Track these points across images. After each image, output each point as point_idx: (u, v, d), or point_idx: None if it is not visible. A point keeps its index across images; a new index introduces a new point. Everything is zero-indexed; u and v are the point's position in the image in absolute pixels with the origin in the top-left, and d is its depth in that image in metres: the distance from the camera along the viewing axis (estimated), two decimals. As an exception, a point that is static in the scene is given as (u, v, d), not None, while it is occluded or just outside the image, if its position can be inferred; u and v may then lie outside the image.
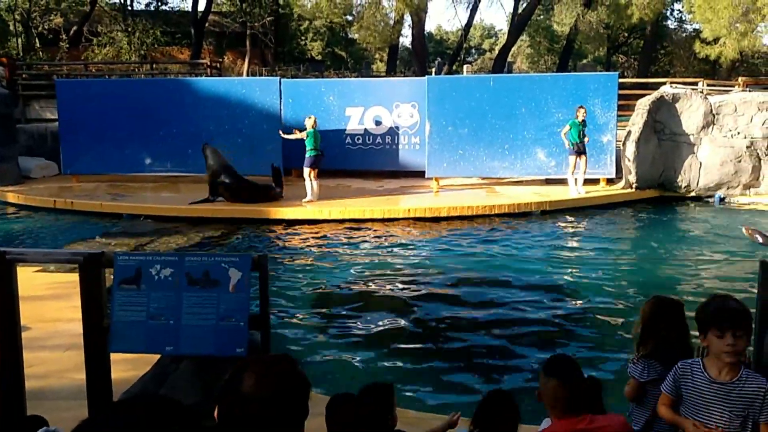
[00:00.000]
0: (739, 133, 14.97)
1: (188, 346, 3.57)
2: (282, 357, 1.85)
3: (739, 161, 14.95)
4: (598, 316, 7.81)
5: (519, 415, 3.11)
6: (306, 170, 13.83)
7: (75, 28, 33.48)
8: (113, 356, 3.84)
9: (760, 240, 11.32)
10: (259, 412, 1.68)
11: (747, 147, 14.92)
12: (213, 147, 14.14)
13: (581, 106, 14.34)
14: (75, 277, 3.77)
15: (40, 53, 32.09)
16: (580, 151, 14.33)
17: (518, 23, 35.03)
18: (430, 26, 70.77)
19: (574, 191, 14.52)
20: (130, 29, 33.56)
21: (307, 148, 13.86)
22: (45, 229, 12.90)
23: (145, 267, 3.61)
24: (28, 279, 8.31)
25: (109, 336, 3.63)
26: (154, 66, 29.83)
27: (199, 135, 16.37)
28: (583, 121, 14.23)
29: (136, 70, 29.28)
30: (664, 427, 3.17)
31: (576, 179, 14.51)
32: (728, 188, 15.10)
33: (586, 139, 14.35)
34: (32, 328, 6.26)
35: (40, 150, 18.73)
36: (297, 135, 14.13)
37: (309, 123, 13.96)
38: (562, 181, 15.18)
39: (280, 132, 14.94)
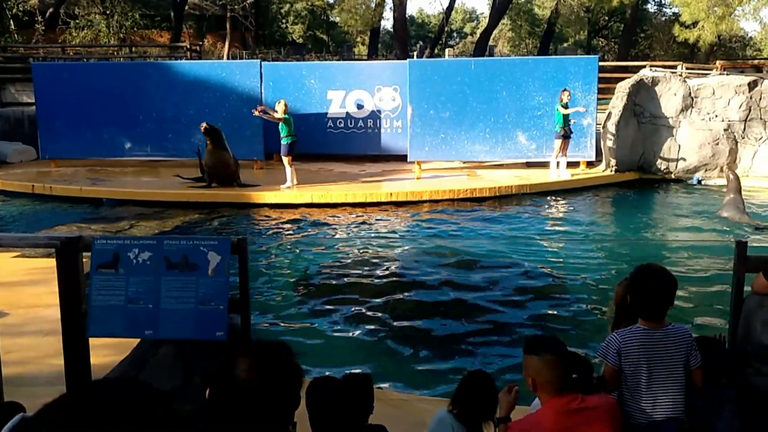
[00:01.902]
0: (716, 116, 15.11)
1: (168, 330, 3.56)
2: (279, 345, 1.84)
3: (717, 144, 15.10)
4: (579, 298, 7.87)
5: (497, 399, 3.14)
6: (285, 159, 13.40)
7: (51, 10, 32.90)
8: (92, 341, 3.82)
9: (731, 177, 11.93)
10: (250, 398, 1.68)
11: (724, 130, 15.07)
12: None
13: (565, 89, 14.36)
14: (53, 262, 3.73)
15: (15, 35, 31.52)
16: (566, 135, 14.36)
17: (499, 7, 34.93)
18: (411, 9, 70.54)
19: (554, 174, 14.58)
20: (108, 12, 33.05)
21: (282, 135, 13.29)
22: (23, 214, 12.76)
23: (123, 251, 3.58)
24: (6, 265, 8.25)
25: (88, 321, 3.61)
26: (133, 49, 29.48)
27: (179, 119, 16.26)
28: (567, 104, 14.26)
29: (115, 53, 28.91)
30: (632, 406, 3.21)
31: (558, 162, 14.55)
32: (706, 170, 15.25)
33: (572, 121, 14.39)
34: (10, 313, 6.22)
35: (17, 134, 18.47)
36: (275, 117, 13.48)
37: (281, 108, 13.34)
38: (543, 164, 15.24)
39: (259, 108, 14.05)
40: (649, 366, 3.02)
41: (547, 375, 2.74)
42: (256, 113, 13.80)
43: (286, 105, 13.52)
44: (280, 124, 13.32)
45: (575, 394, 2.77)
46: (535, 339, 2.95)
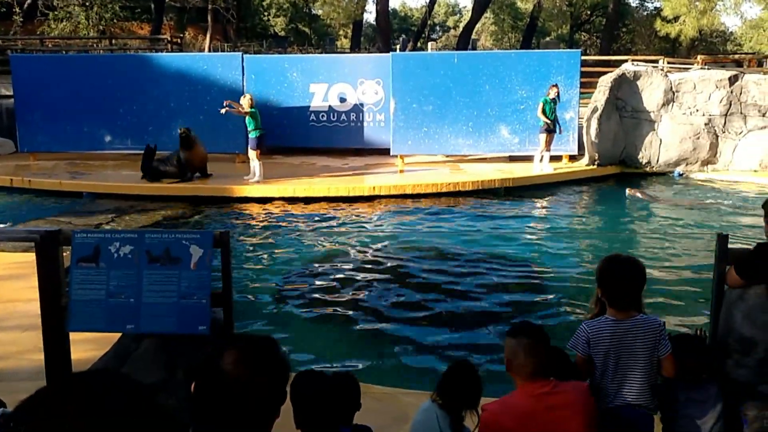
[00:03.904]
0: (697, 110, 15.23)
1: (149, 324, 3.53)
2: (266, 339, 1.83)
3: (698, 138, 15.22)
4: (561, 291, 7.91)
5: (481, 386, 3.16)
6: (252, 152, 13.31)
7: (29, 1, 32.47)
8: (74, 336, 3.78)
9: (640, 196, 13.02)
10: (236, 392, 1.66)
11: (705, 124, 15.19)
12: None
13: (555, 85, 14.37)
14: (33, 256, 3.69)
15: (-7, 27, 31.12)
16: (550, 129, 14.38)
17: (482, 0, 34.96)
18: (394, 2, 70.52)
19: (537, 168, 14.62)
20: (87, 3, 32.60)
21: (249, 129, 13.21)
22: (1, 208, 12.60)
23: (104, 245, 3.54)
24: (-16, 259, 8.14)
25: (68, 315, 3.57)
26: (113, 42, 29.18)
27: (160, 112, 16.12)
28: (554, 99, 14.28)
29: (95, 45, 28.60)
30: (601, 391, 3.23)
31: (542, 156, 14.57)
32: (687, 164, 15.38)
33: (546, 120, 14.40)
34: (-11, 308, 6.14)
35: (-6, 127, 18.22)
36: (240, 111, 13.32)
37: (246, 102, 13.20)
38: (526, 158, 15.27)
39: (225, 103, 13.67)
40: (617, 355, 3.10)
41: (522, 358, 2.80)
42: (224, 111, 13.64)
43: (251, 99, 13.44)
44: (247, 118, 13.23)
45: (548, 380, 2.81)
46: (518, 323, 3.04)
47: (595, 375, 3.16)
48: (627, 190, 13.47)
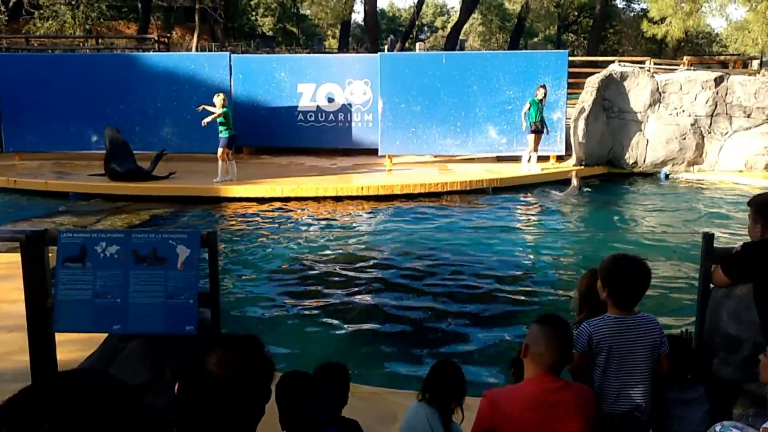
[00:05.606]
0: (684, 110, 15.32)
1: (136, 325, 3.51)
2: (250, 338, 1.83)
3: (684, 138, 15.32)
4: (547, 290, 7.94)
5: (465, 384, 3.17)
6: (220, 150, 13.18)
7: (14, -1, 32.26)
8: (60, 337, 3.76)
9: (575, 183, 13.59)
10: (220, 391, 1.66)
11: (691, 125, 15.29)
12: (113, 127, 13.80)
13: (543, 86, 14.41)
14: (18, 257, 3.66)
15: (-22, 26, 30.86)
16: (537, 130, 14.42)
17: (470, 1, 35.02)
18: (382, 3, 70.49)
19: (525, 168, 14.66)
20: (73, 2, 32.42)
21: (221, 129, 13.10)
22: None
23: (90, 245, 3.52)
24: (-31, 260, 8.05)
25: (53, 316, 3.54)
26: (99, 41, 28.99)
27: (147, 112, 16.05)
28: (541, 100, 14.30)
29: (81, 45, 28.41)
30: (600, 392, 3.24)
31: (530, 157, 14.61)
32: (673, 165, 15.47)
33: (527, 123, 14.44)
34: (-26, 309, 6.08)
35: (-21, 127, 18.03)
36: (215, 113, 13.12)
37: (219, 101, 13.02)
38: (513, 159, 15.31)
39: (200, 107, 13.54)
40: (621, 353, 3.05)
41: (542, 348, 2.74)
42: (200, 109, 13.55)
43: (224, 98, 13.33)
44: (221, 117, 13.10)
45: (559, 378, 2.78)
46: (548, 314, 2.97)
47: (595, 376, 3.10)
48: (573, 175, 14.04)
